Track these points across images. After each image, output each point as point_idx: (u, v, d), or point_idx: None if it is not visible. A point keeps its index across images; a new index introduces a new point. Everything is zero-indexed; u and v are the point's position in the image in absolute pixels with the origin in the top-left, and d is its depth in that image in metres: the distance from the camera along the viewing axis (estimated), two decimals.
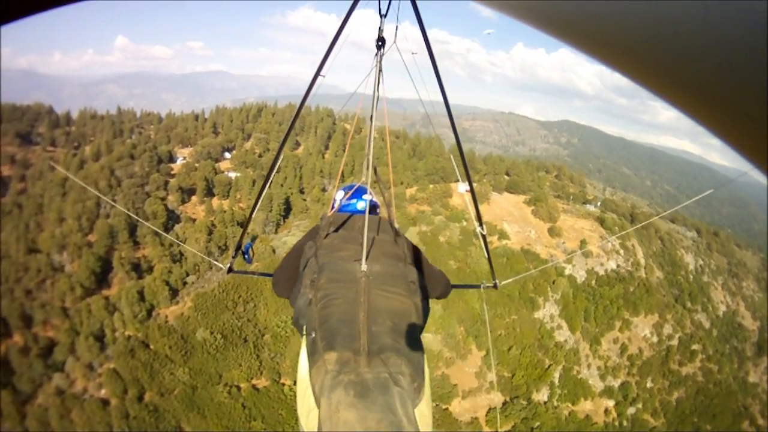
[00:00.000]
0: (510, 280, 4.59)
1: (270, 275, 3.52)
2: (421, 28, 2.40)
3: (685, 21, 0.69)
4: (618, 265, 77.79)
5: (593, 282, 74.34)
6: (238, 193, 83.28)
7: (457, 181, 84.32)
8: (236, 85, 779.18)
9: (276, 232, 78.93)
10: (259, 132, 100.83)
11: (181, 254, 69.00)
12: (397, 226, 3.19)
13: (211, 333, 57.83)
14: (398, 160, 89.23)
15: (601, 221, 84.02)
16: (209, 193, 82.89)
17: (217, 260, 69.46)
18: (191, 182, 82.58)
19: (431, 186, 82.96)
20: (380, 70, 3.25)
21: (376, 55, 3.21)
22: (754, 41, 0.59)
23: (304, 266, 2.83)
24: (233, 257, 3.98)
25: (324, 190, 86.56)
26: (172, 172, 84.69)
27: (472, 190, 3.44)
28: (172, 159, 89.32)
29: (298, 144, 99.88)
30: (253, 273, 5.42)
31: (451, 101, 2.86)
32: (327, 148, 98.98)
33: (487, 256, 3.99)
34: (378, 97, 3.28)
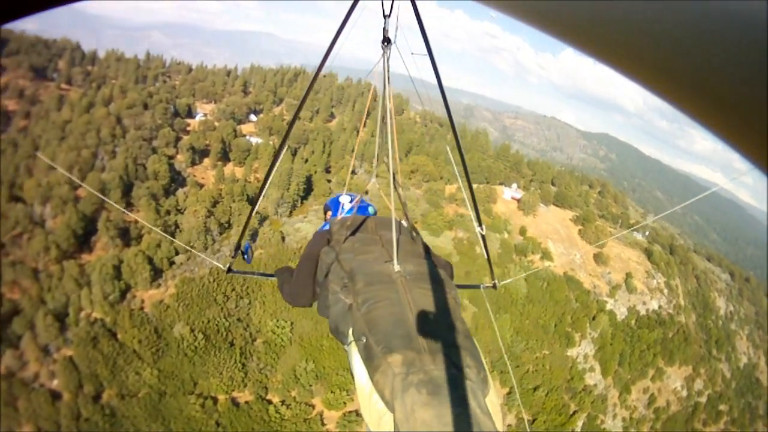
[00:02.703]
0: (509, 280, 4.96)
1: (270, 275, 3.53)
2: (421, 29, 2.28)
3: (684, 19, 0.69)
4: (660, 306, 70.88)
5: (633, 322, 67.04)
6: (256, 162, 71.96)
7: (502, 184, 75.40)
8: (282, 49, 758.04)
9: (290, 215, 67.75)
10: (292, 98, 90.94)
11: (177, 226, 59.11)
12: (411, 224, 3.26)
13: (192, 330, 48.35)
14: (440, 152, 77.53)
15: (649, 254, 76.26)
16: (224, 157, 72.70)
17: (215, 240, 59.97)
18: (206, 142, 72.61)
19: (474, 186, 73.28)
20: (387, 71, 3.09)
21: (382, 55, 3.05)
22: (754, 41, 0.59)
23: (326, 273, 2.76)
24: (233, 257, 3.78)
25: (354, 172, 75.88)
26: (187, 128, 75.00)
27: (471, 191, 3.22)
28: (190, 114, 79.77)
29: (332, 116, 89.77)
30: (253, 273, 4.60)
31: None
32: (365, 126, 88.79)
33: (486, 256, 3.68)
34: (387, 96, 3.14)
